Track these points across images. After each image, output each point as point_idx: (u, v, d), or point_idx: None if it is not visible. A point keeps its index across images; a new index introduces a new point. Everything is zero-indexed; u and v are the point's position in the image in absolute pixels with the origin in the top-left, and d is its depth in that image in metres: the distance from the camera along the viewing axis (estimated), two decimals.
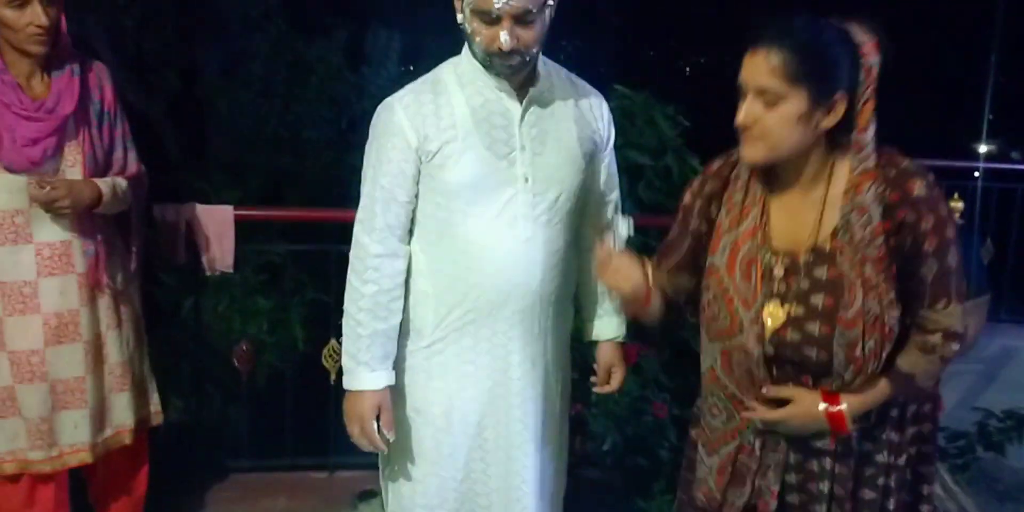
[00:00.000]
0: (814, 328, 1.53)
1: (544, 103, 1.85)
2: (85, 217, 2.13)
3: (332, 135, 5.85)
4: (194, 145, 5.62)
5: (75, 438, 2.20)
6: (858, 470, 1.63)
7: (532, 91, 1.82)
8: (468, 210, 1.82)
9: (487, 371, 1.90)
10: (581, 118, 1.90)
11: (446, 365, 1.90)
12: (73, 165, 2.13)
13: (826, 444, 1.61)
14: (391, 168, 1.81)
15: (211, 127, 5.73)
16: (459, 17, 1.75)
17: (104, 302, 2.22)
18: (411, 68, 6.75)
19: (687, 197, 1.73)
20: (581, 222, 1.95)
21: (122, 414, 2.29)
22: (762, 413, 1.59)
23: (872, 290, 1.50)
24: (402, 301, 1.88)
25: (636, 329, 3.28)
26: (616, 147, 4.04)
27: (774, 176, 1.60)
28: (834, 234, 1.54)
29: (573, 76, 1.95)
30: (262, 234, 4.31)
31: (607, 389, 2.14)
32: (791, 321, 1.55)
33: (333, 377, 2.84)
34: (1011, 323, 5.03)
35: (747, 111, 1.50)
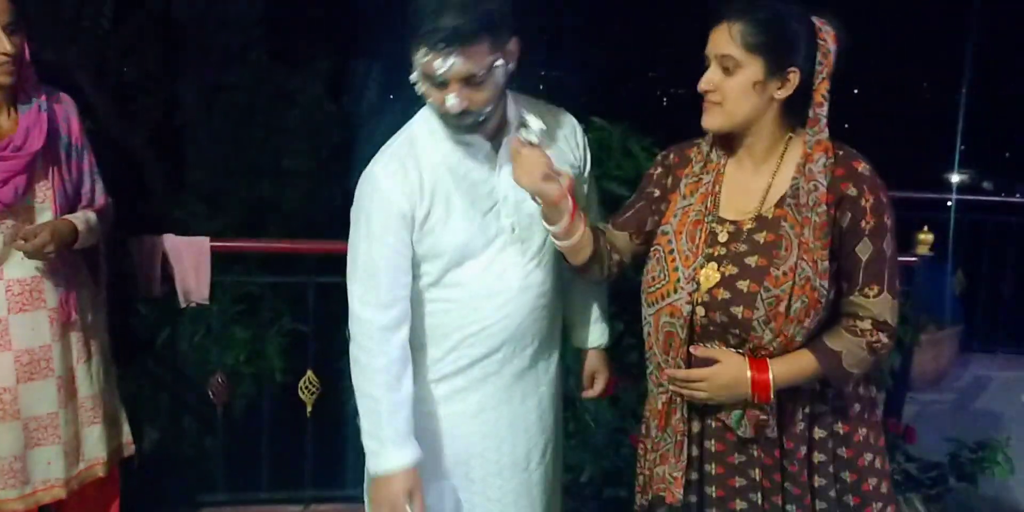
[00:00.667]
0: (744, 286, 1.60)
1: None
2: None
3: (312, 165, 5.86)
4: (174, 175, 5.62)
5: (49, 474, 2.19)
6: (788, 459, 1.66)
7: (505, 140, 1.79)
8: (460, 266, 1.81)
9: (480, 412, 1.90)
10: (559, 152, 1.87)
11: (439, 408, 1.89)
12: (43, 201, 2.11)
13: (747, 433, 1.64)
14: (388, 240, 1.77)
15: (191, 157, 5.73)
16: (412, 75, 1.71)
17: (75, 336, 2.22)
18: (391, 97, 6.81)
19: (652, 167, 1.84)
20: None
21: (95, 447, 2.27)
22: (684, 371, 1.63)
23: (808, 253, 1.58)
24: (411, 366, 1.83)
25: (616, 360, 3.31)
26: (593, 178, 4.07)
27: (732, 150, 1.71)
28: (779, 203, 1.63)
29: (544, 105, 1.92)
30: (240, 264, 4.29)
31: (591, 394, 2.18)
32: (724, 280, 1.62)
33: (310, 409, 2.83)
34: (983, 353, 5.08)
35: (707, 77, 1.62)
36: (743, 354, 1.62)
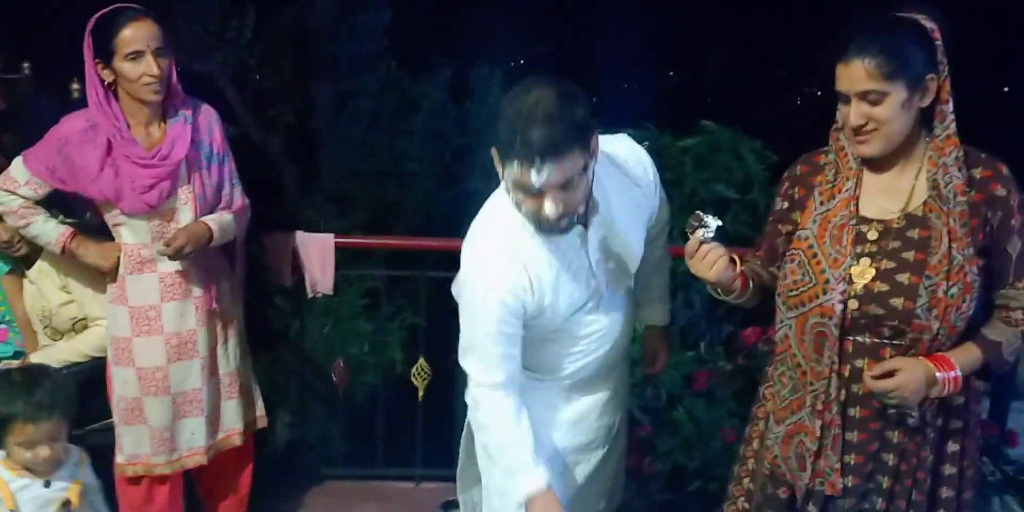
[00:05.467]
0: (904, 278, 1.69)
1: (604, 219, 1.85)
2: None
3: (435, 168, 6.07)
4: (307, 177, 5.93)
5: (193, 443, 2.46)
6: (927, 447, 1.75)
7: (595, 219, 1.82)
8: (563, 327, 1.94)
9: (574, 396, 2.08)
10: (634, 205, 1.94)
11: (534, 405, 2.00)
12: (186, 203, 2.35)
13: (896, 423, 1.73)
14: (503, 335, 1.84)
15: (322, 160, 6.03)
16: (502, 179, 1.74)
17: (216, 321, 2.47)
18: None
19: (780, 185, 1.91)
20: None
21: (232, 419, 2.54)
22: (872, 384, 1.69)
23: (956, 241, 1.66)
24: (526, 411, 1.90)
25: (712, 356, 3.39)
26: (703, 181, 4.11)
27: (870, 156, 1.77)
28: (925, 201, 1.70)
29: (612, 156, 1.90)
30: (364, 262, 4.55)
31: (652, 371, 2.34)
32: (881, 274, 1.70)
33: (421, 394, 3.04)
34: None
35: (857, 113, 1.68)
36: (912, 354, 1.69)
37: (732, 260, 1.77)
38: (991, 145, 1.78)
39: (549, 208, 1.67)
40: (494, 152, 1.71)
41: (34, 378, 2.03)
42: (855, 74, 1.66)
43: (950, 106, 1.70)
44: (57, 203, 2.41)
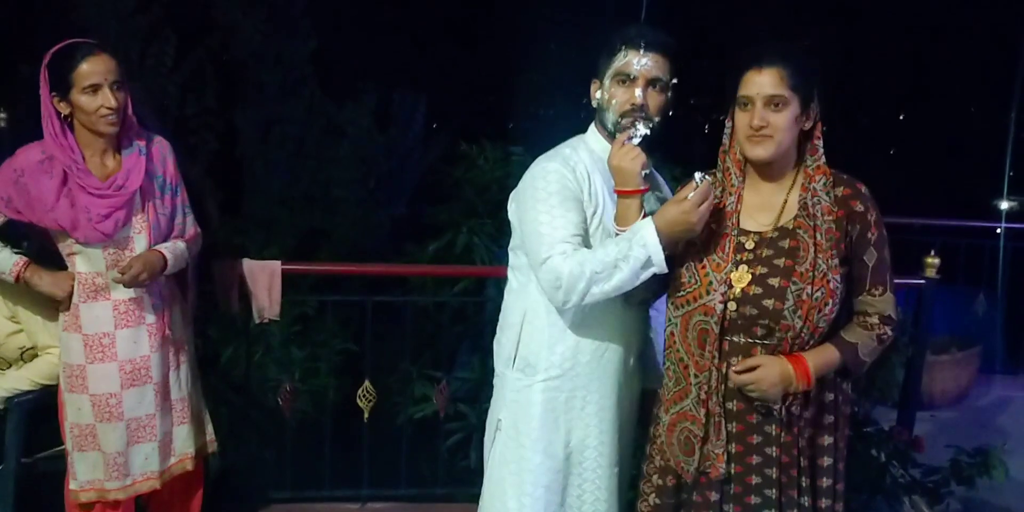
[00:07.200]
0: (775, 282, 1.90)
1: (650, 177, 2.10)
2: None
3: (360, 194, 6.14)
4: (232, 204, 5.91)
5: (146, 468, 2.49)
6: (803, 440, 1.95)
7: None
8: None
9: (599, 410, 2.17)
10: (664, 187, 2.28)
11: (558, 398, 2.14)
12: (140, 232, 2.40)
13: (765, 417, 1.91)
14: (571, 216, 2.03)
15: (248, 187, 6.02)
16: (596, 97, 2.10)
17: (169, 347, 2.51)
18: (435, 126, 7.13)
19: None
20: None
21: (184, 443, 2.57)
22: (735, 377, 1.90)
23: (822, 253, 1.89)
24: None
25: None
26: None
27: (750, 175, 2.00)
28: (795, 216, 1.94)
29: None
30: (294, 288, 4.57)
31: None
32: (755, 279, 1.92)
33: (367, 416, 3.10)
34: (1006, 375, 5.29)
35: (761, 116, 1.90)
36: (778, 353, 1.89)
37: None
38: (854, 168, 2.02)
39: (639, 93, 2.02)
40: (594, 83, 2.11)
41: None
42: (767, 79, 1.89)
43: (821, 142, 1.96)
44: None
